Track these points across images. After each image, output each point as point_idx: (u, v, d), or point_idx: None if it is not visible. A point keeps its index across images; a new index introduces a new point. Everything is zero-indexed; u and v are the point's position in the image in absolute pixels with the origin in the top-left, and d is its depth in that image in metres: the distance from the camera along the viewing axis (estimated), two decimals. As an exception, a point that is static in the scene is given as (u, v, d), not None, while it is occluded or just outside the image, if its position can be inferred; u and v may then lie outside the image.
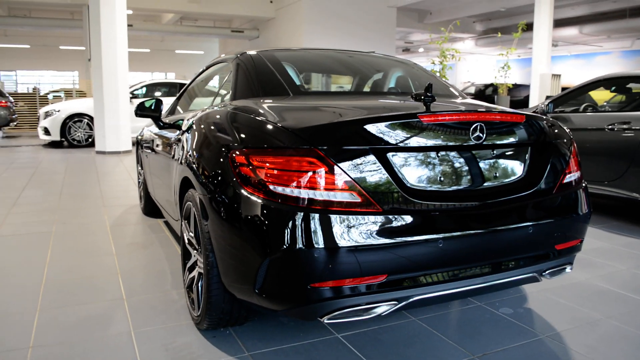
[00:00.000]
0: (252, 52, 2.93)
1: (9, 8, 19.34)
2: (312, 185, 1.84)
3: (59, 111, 10.74)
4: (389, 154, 1.95)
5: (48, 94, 19.71)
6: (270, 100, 2.44)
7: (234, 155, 2.04)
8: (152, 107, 3.70)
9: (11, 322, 2.59)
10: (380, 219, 1.87)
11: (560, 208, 2.30)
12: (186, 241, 2.64)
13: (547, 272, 2.29)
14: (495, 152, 2.16)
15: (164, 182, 3.42)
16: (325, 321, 1.92)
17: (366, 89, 3.11)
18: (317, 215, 1.82)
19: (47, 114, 10.83)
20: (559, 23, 18.75)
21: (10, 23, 19.07)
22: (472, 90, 18.70)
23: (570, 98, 5.18)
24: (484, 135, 2.07)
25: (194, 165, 2.39)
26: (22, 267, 3.42)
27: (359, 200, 1.87)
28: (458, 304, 2.78)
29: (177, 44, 30.18)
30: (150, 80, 12.13)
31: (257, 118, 2.11)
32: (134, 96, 11.21)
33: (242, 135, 2.10)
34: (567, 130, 2.50)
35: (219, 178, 2.11)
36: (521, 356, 2.25)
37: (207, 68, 3.55)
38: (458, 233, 1.97)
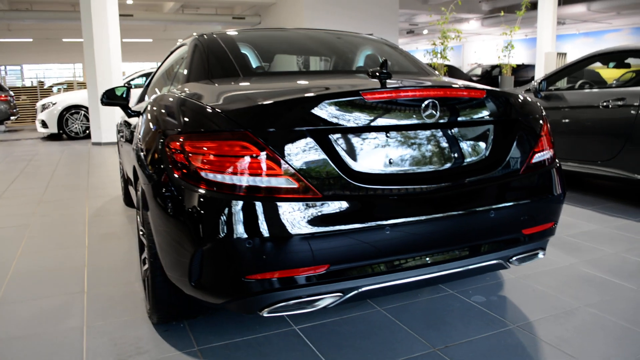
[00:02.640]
0: (209, 34, 2.79)
1: (10, 2, 19.31)
2: (244, 171, 1.71)
3: (55, 103, 10.68)
4: (332, 136, 1.80)
5: (52, 86, 19.73)
6: (216, 83, 2.30)
7: (169, 141, 1.91)
8: (123, 95, 3.57)
9: (-38, 318, 2.51)
10: (319, 205, 1.73)
11: (528, 190, 2.14)
12: (140, 233, 2.53)
13: (514, 258, 2.15)
14: (453, 131, 2.00)
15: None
16: (265, 314, 1.79)
17: (329, 68, 2.96)
18: (249, 203, 1.69)
19: (44, 107, 10.78)
20: (566, 0, 18.26)
21: (13, 17, 19.03)
22: (478, 71, 18.38)
23: (564, 75, 4.96)
24: (437, 112, 1.91)
25: (140, 153, 2.27)
26: (-11, 261, 3.35)
27: (295, 185, 1.73)
28: (427, 292, 2.65)
29: (180, 33, 30.03)
30: (147, 69, 12.01)
31: (194, 101, 1.97)
32: (130, 86, 11.11)
33: (177, 120, 1.97)
34: (539, 106, 2.33)
35: (157, 166, 1.99)
36: (485, 348, 2.11)
37: (172, 52, 3.42)
38: (408, 219, 1.83)
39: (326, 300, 1.82)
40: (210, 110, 1.84)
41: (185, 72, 2.57)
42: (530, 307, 2.48)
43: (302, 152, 1.74)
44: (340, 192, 1.77)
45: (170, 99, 2.16)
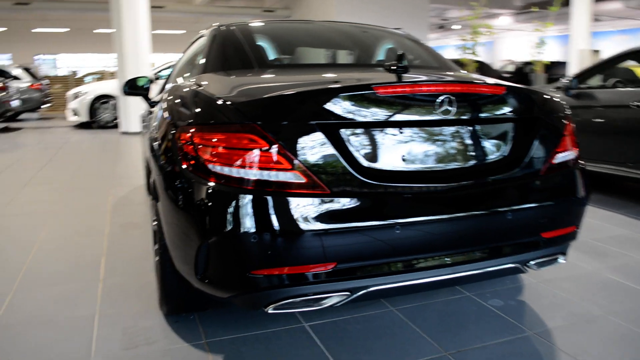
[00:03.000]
0: (227, 25, 2.76)
1: (47, -8, 19.70)
2: (251, 165, 1.68)
3: (86, 93, 10.87)
4: (342, 131, 1.75)
5: (85, 76, 20.11)
6: (230, 75, 2.27)
7: (179, 132, 1.89)
8: (144, 85, 3.59)
9: (-19, 301, 2.56)
10: (326, 201, 1.69)
11: (548, 191, 2.05)
12: (153, 223, 2.53)
13: (532, 262, 2.07)
14: (470, 128, 1.93)
15: (149, 162, 3.33)
16: (270, 311, 1.76)
17: (348, 61, 2.90)
18: (255, 197, 1.66)
19: (75, 96, 10.99)
20: (603, -4, 17.67)
21: (48, 7, 19.43)
22: (510, 68, 17.97)
23: (596, 73, 4.78)
24: (453, 108, 1.84)
25: (153, 144, 2.27)
26: (12, 246, 3.41)
27: (303, 180, 1.69)
28: (444, 294, 2.58)
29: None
30: (176, 60, 12.09)
31: (204, 93, 1.94)
32: (159, 77, 11.23)
33: (187, 112, 1.94)
34: (562, 104, 2.23)
35: (167, 156, 1.97)
36: (498, 354, 2.04)
37: (193, 42, 3.41)
38: (419, 218, 1.77)
39: (333, 299, 1.78)
40: (219, 102, 1.81)
41: (203, 63, 2.55)
42: (550, 313, 2.39)
43: (310, 147, 1.70)
44: (349, 189, 1.72)
45: (183, 90, 2.14)
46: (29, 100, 12.79)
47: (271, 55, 2.66)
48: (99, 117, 11.02)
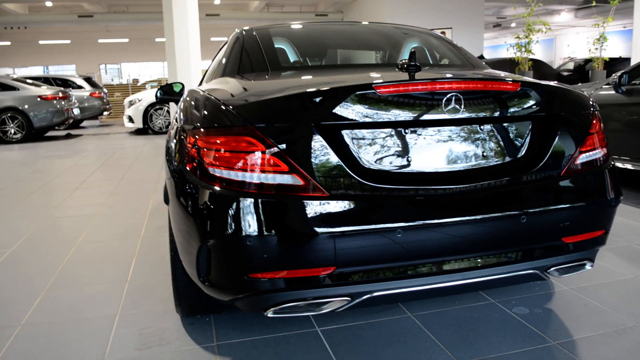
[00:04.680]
0: (250, 28, 2.78)
1: (108, 5, 20.72)
2: (248, 167, 1.66)
3: (140, 100, 11.31)
4: (343, 132, 1.71)
5: (145, 84, 20.94)
6: (243, 78, 2.28)
7: (185, 135, 1.91)
8: (178, 91, 3.67)
9: (14, 299, 2.69)
10: (325, 204, 1.65)
11: (570, 193, 1.93)
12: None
13: (553, 269, 1.94)
14: (481, 128, 1.84)
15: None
16: (270, 315, 1.74)
17: (367, 62, 2.84)
18: (251, 200, 1.64)
19: (131, 103, 11.45)
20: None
21: (110, 19, 20.42)
22: (570, 66, 17.21)
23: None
24: (462, 107, 1.76)
25: (167, 148, 2.31)
26: (53, 247, 3.58)
27: (300, 183, 1.66)
28: (467, 300, 2.47)
29: (266, 32, 30.68)
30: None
31: (210, 97, 1.94)
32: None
33: (194, 115, 1.96)
34: (588, 100, 2.09)
35: (175, 159, 2.00)
36: (515, 365, 1.93)
37: (221, 48, 3.45)
38: (423, 222, 1.70)
39: (334, 304, 1.74)
40: (221, 106, 1.81)
41: (221, 67, 2.58)
42: (578, 322, 2.24)
43: (309, 149, 1.67)
44: (349, 192, 1.68)
45: (193, 94, 2.17)
46: (89, 108, 13.47)
47: (288, 58, 2.65)
48: (153, 123, 11.42)
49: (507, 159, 1.86)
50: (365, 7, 19.47)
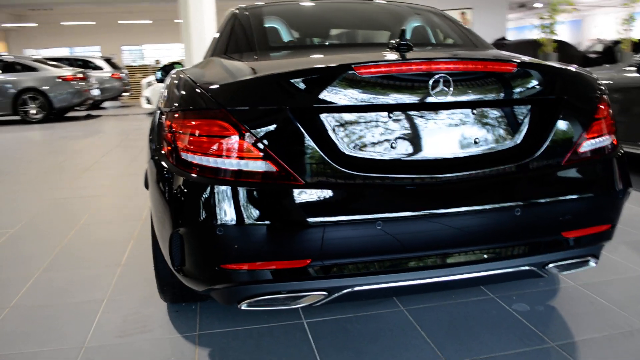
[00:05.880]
0: (244, 7, 2.66)
1: (131, -15, 20.65)
2: (221, 153, 1.56)
3: (158, 81, 11.28)
4: (321, 116, 1.59)
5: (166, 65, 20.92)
6: (230, 58, 2.17)
7: (161, 118, 1.82)
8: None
9: (8, 280, 2.67)
10: (299, 193, 1.55)
11: (572, 184, 1.78)
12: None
13: (551, 265, 1.81)
14: (474, 112, 1.69)
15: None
16: (244, 307, 1.66)
17: (362, 41, 2.70)
18: (222, 188, 1.55)
19: (148, 84, 11.45)
20: None
21: (133, 0, 20.38)
22: (599, 47, 16.61)
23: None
24: (451, 89, 1.62)
25: (150, 130, 2.22)
26: (54, 229, 3.56)
27: (274, 170, 1.55)
28: (465, 294, 2.35)
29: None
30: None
31: (187, 78, 1.83)
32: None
33: (170, 97, 1.85)
34: (598, 82, 1.92)
35: (154, 143, 1.91)
36: (507, 367, 1.81)
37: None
38: (406, 213, 1.58)
39: (310, 298, 1.65)
40: (195, 89, 1.70)
41: (212, 46, 2.48)
42: (582, 322, 2.10)
43: (284, 135, 1.56)
44: (325, 180, 1.56)
45: (174, 75, 2.07)
46: (109, 89, 13.54)
47: (280, 37, 2.52)
48: (170, 104, 11.41)
49: (502, 146, 1.72)
50: (389, -12, 19.05)
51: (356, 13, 2.79)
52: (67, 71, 10.93)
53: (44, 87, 10.48)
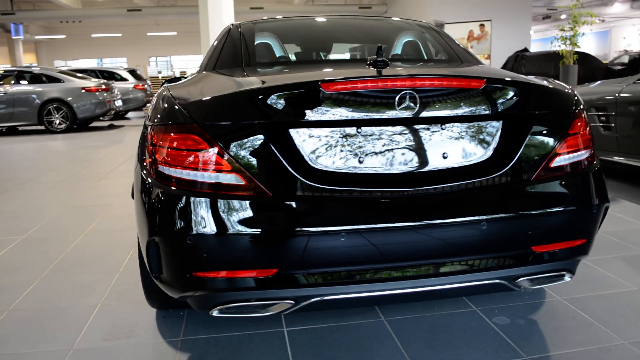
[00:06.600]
0: (239, 23, 2.75)
1: (157, -1, 21.21)
2: (193, 165, 1.64)
3: (178, 92, 11.52)
4: (289, 131, 1.65)
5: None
6: (217, 73, 2.25)
7: (145, 131, 1.91)
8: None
9: (12, 284, 2.79)
10: (267, 205, 1.61)
11: (542, 199, 1.80)
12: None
13: (523, 279, 1.82)
14: (440, 127, 1.73)
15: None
16: (215, 314, 1.72)
17: (349, 57, 2.76)
18: (193, 199, 1.62)
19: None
20: None
21: (158, 13, 20.94)
22: (625, 59, 16.34)
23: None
24: (417, 105, 1.67)
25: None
26: (60, 236, 3.69)
27: (242, 183, 1.62)
28: (447, 306, 2.36)
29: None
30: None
31: (167, 93, 1.91)
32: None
33: (152, 111, 1.94)
34: (571, 97, 1.93)
35: (139, 154, 2.00)
36: (476, 379, 1.83)
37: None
38: (369, 226, 1.62)
39: (278, 307, 1.70)
40: (173, 104, 1.79)
41: (205, 61, 2.57)
42: (560, 337, 2.10)
43: (253, 149, 1.63)
44: (292, 193, 1.62)
45: (160, 90, 2.16)
46: (133, 100, 13.87)
47: (269, 53, 2.61)
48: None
49: (470, 161, 1.76)
50: (410, 0, 19.17)
51: (348, 29, 2.86)
52: (91, 82, 11.25)
53: (68, 98, 10.81)
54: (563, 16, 21.54)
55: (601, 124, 4.67)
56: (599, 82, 5.35)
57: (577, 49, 10.48)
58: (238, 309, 1.72)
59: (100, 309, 2.47)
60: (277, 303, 1.69)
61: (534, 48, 15.67)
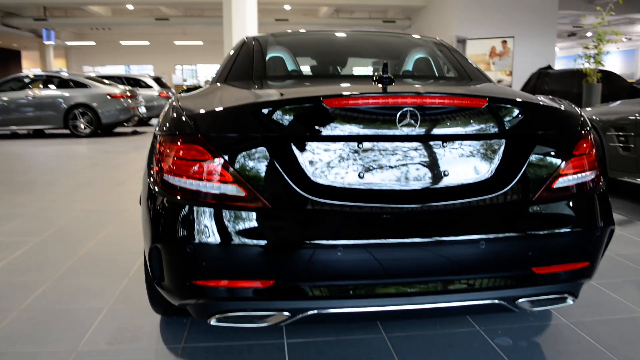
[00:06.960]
0: (254, 37, 2.80)
1: (185, 9, 21.62)
2: (195, 175, 1.68)
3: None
4: (290, 145, 1.68)
5: (214, 85, 21.61)
6: (228, 85, 2.30)
7: (154, 140, 1.96)
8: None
9: (25, 284, 2.86)
10: (266, 216, 1.64)
11: (544, 220, 1.78)
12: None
13: (522, 300, 1.81)
14: (443, 145, 1.74)
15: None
16: (213, 323, 1.74)
17: (358, 72, 2.78)
18: (195, 208, 1.65)
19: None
20: None
21: (185, 22, 21.32)
22: (652, 80, 16.02)
23: None
24: (418, 123, 1.68)
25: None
26: (75, 240, 3.77)
27: (242, 194, 1.65)
28: (449, 324, 2.35)
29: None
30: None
31: (177, 104, 1.96)
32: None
33: (161, 121, 1.99)
34: (577, 117, 1.92)
35: (147, 162, 2.05)
36: (472, 400, 1.81)
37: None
38: (368, 241, 1.63)
39: (274, 318, 1.71)
40: (180, 115, 1.83)
41: (218, 73, 2.62)
42: (563, 361, 2.07)
43: (254, 160, 1.66)
44: (292, 205, 1.64)
45: (170, 101, 2.21)
46: (157, 107, 14.10)
47: (281, 67, 2.65)
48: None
49: (471, 179, 1.75)
50: (433, 15, 19.19)
51: (363, 45, 2.89)
52: (116, 89, 11.49)
53: (93, 103, 11.05)
54: (589, 34, 21.31)
55: (620, 145, 4.60)
56: (619, 101, 5.27)
57: (601, 67, 10.34)
58: (235, 318, 1.73)
59: (107, 313, 2.52)
60: (273, 314, 1.71)
61: (559, 65, 15.52)
